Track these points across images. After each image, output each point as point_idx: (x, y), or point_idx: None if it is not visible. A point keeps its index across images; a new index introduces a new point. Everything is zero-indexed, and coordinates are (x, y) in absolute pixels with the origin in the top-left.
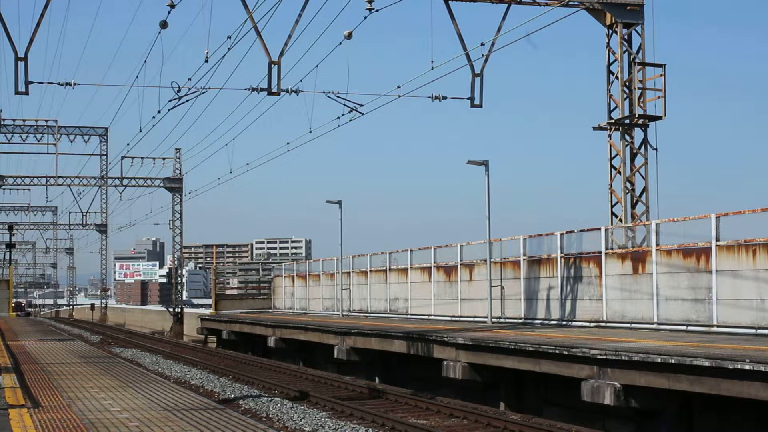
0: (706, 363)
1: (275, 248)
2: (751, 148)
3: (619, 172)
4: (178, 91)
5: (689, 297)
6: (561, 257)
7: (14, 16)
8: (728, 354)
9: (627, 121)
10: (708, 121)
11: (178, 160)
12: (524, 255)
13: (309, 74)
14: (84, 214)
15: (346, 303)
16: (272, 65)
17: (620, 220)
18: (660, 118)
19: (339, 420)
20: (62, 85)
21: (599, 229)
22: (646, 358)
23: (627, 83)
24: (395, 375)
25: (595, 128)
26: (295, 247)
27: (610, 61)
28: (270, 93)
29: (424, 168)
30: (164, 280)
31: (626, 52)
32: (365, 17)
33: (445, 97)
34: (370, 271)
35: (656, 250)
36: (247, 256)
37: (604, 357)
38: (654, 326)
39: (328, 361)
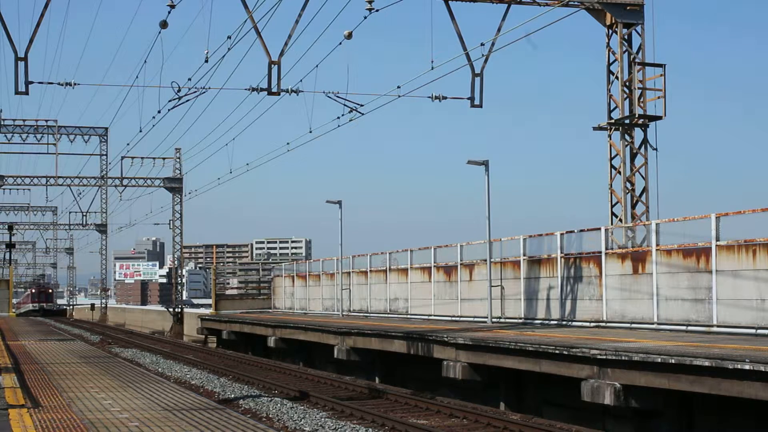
0: (706, 363)
1: (275, 248)
2: (751, 147)
3: (619, 172)
4: (178, 91)
5: (689, 297)
6: (561, 257)
7: (14, 16)
8: (728, 354)
9: (627, 121)
10: (708, 121)
11: (178, 160)
12: (524, 255)
13: (309, 74)
14: (84, 214)
15: (346, 303)
16: (272, 65)
17: (620, 220)
18: (660, 118)
19: (339, 420)
20: (62, 85)
21: (599, 229)
22: (646, 358)
23: (627, 83)
24: (395, 375)
25: (595, 128)
26: (295, 247)
27: (610, 61)
28: (270, 93)
29: (424, 168)
30: (164, 280)
31: (626, 52)
32: (365, 17)
33: (445, 97)
34: (370, 271)
35: (656, 250)
36: (247, 256)
37: (604, 357)
38: (654, 326)
39: (327, 361)
